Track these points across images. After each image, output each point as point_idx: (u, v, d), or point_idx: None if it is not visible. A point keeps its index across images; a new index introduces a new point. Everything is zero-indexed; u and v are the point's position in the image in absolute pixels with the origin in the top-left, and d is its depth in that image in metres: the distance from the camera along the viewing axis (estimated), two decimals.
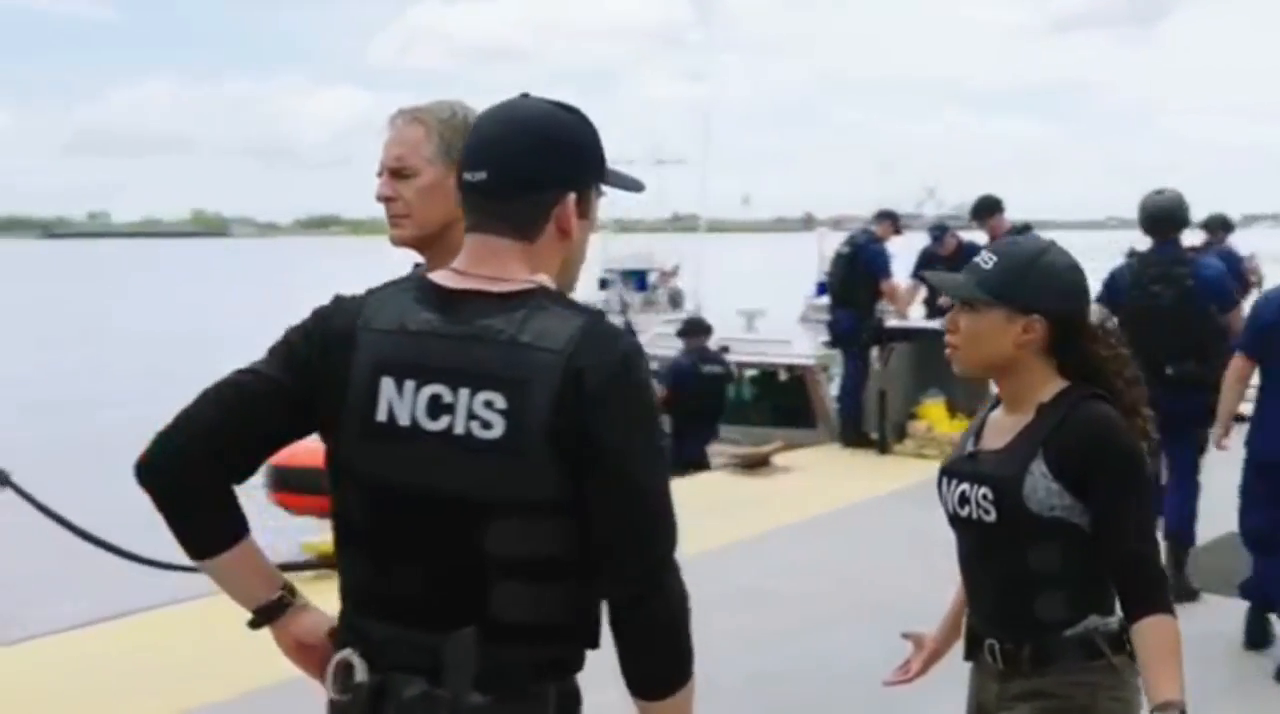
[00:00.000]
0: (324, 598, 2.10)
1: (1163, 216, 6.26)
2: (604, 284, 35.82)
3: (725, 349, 11.83)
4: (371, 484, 1.90)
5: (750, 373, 12.70)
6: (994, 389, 2.62)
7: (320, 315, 1.96)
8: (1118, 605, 2.43)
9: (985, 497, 2.45)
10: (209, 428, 1.92)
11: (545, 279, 1.92)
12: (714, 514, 8.38)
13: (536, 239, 1.92)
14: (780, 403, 12.44)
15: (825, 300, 12.07)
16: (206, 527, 1.97)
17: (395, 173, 2.42)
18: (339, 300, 1.97)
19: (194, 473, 1.92)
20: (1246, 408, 5.67)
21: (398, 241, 2.46)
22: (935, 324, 9.51)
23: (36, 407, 23.35)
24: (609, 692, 1.98)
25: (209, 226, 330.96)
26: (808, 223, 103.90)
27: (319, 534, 7.14)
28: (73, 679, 5.18)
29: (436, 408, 1.84)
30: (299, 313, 2.00)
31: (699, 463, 10.65)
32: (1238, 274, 9.79)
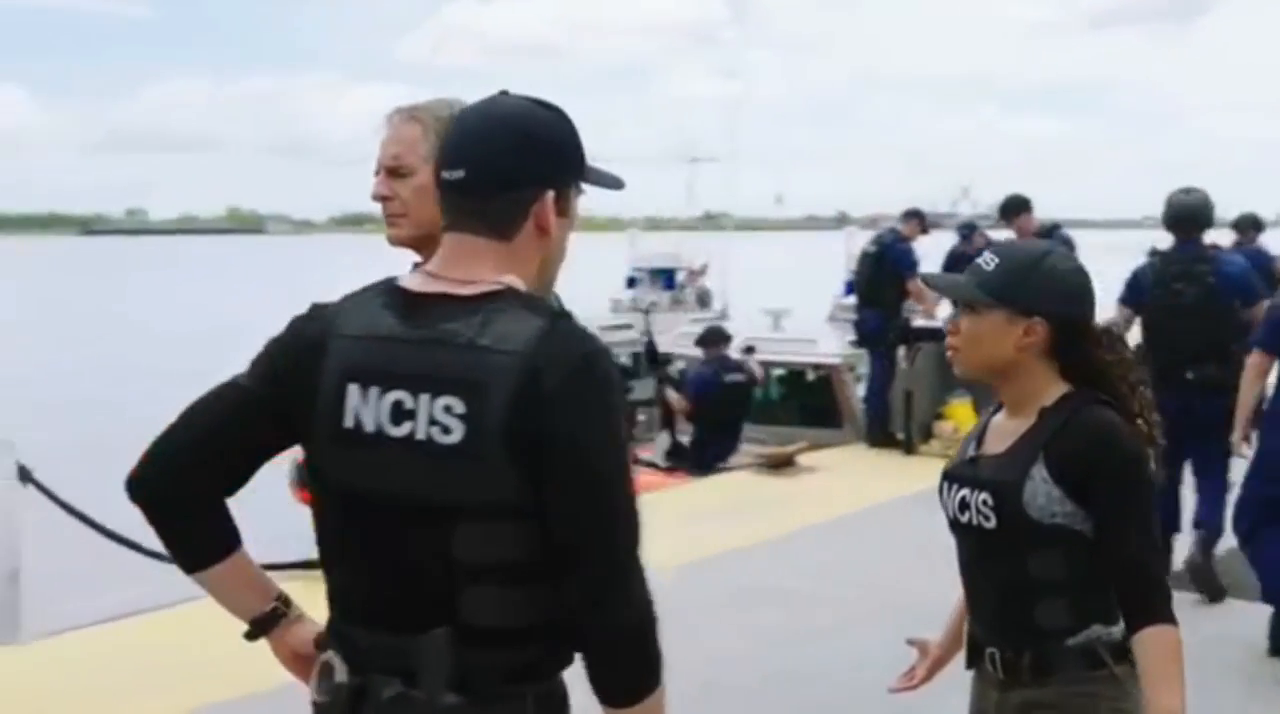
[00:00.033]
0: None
1: (1187, 216, 6.25)
2: (631, 283, 35.86)
3: (751, 349, 11.80)
4: (341, 490, 1.91)
5: (777, 372, 12.65)
6: None
7: (295, 324, 1.97)
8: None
9: (985, 502, 2.41)
10: (195, 441, 1.95)
11: (514, 280, 1.89)
12: (739, 514, 8.39)
13: (514, 238, 1.91)
14: (806, 402, 12.40)
15: (853, 300, 12.01)
16: (197, 539, 2.00)
17: (392, 171, 2.39)
18: (314, 308, 1.97)
19: (182, 486, 1.95)
20: None
21: (394, 241, 2.43)
22: None
23: (69, 405, 23.56)
24: (574, 694, 1.96)
25: (245, 223, 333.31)
26: (841, 221, 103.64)
27: None
28: (83, 678, 5.20)
29: (399, 414, 1.83)
30: None
31: (722, 470, 10.65)
32: (1267, 273, 9.69)
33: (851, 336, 11.93)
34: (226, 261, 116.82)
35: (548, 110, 1.94)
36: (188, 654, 5.34)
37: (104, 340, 37.64)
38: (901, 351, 10.48)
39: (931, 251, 11.32)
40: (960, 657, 2.64)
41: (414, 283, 1.92)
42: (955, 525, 2.52)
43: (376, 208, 2.43)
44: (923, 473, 9.25)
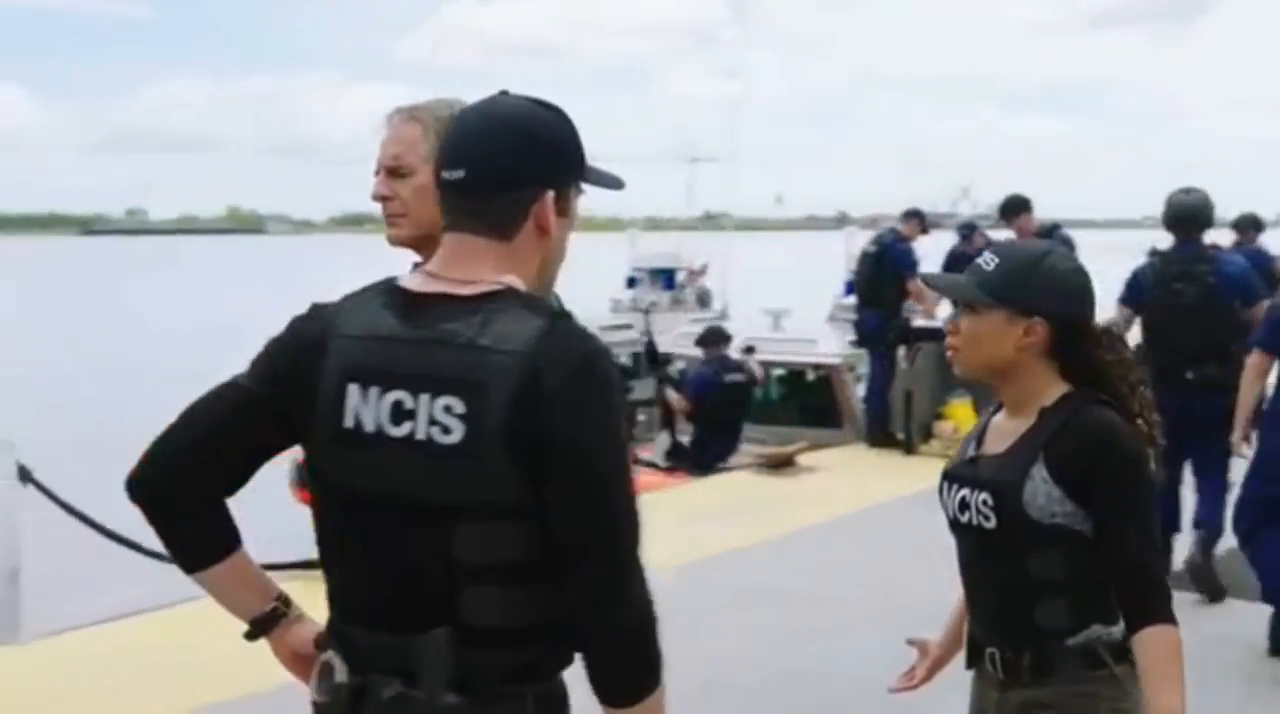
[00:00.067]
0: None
1: (1186, 216, 6.25)
2: (631, 282, 35.87)
3: (751, 349, 11.79)
4: (341, 491, 1.91)
5: (777, 372, 12.65)
6: None
7: (295, 324, 1.97)
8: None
9: (985, 502, 2.41)
10: (195, 441, 1.95)
11: (514, 280, 1.89)
12: (739, 514, 8.39)
13: (514, 238, 1.90)
14: (806, 402, 12.39)
15: (853, 300, 12.01)
16: (197, 539, 2.00)
17: (392, 171, 2.39)
18: (314, 308, 1.97)
19: (182, 486, 1.95)
20: None
21: (394, 241, 2.43)
22: None
23: (69, 405, 23.55)
24: (574, 694, 1.96)
25: (245, 223, 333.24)
26: (841, 221, 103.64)
27: None
28: (83, 678, 5.20)
29: (399, 414, 1.83)
30: None
31: (723, 470, 10.65)
32: (1267, 273, 9.69)
33: (851, 337, 11.93)
34: (226, 261, 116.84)
35: (548, 110, 1.94)
36: (188, 654, 5.34)
37: (104, 340, 37.63)
38: (901, 352, 10.47)
39: (931, 251, 11.31)
40: (960, 657, 2.64)
41: (414, 283, 1.92)
42: (955, 525, 2.52)
43: (377, 208, 2.42)
44: (923, 473, 9.24)
